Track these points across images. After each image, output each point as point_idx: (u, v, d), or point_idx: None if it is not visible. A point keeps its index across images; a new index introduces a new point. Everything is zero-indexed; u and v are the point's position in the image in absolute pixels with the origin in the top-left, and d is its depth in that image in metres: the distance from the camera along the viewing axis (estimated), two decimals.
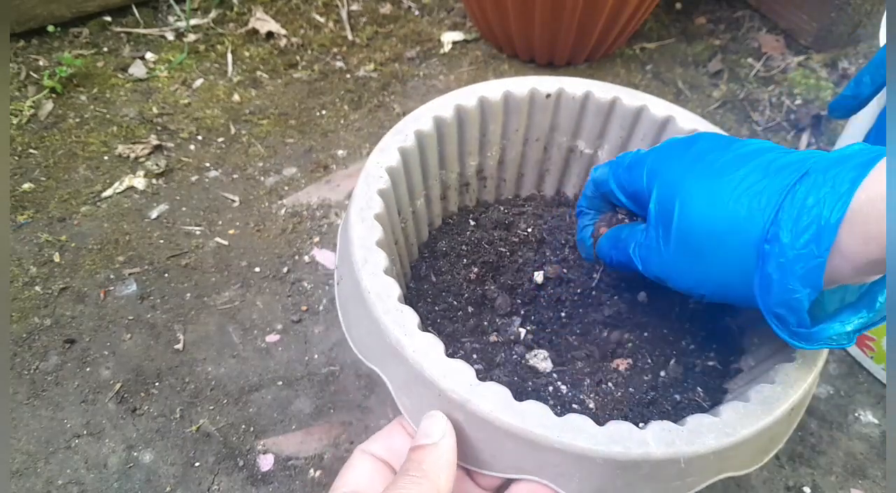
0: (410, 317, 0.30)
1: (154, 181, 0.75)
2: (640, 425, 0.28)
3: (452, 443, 0.28)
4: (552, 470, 0.28)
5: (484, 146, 0.44)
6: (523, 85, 0.42)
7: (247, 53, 0.90)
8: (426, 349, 0.29)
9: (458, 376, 0.28)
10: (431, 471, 0.27)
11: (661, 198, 0.30)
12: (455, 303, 0.41)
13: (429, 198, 0.43)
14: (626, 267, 0.35)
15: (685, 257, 0.29)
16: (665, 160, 0.32)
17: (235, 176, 0.76)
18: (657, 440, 0.27)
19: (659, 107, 0.41)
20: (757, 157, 0.29)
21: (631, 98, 0.42)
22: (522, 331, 0.41)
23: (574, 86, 0.42)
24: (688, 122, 0.41)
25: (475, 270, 0.42)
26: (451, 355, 0.30)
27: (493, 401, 0.28)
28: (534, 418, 0.27)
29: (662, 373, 0.38)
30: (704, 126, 0.40)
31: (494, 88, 0.41)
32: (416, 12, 0.98)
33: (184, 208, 0.72)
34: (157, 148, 0.78)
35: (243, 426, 0.56)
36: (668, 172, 0.31)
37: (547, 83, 0.42)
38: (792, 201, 0.26)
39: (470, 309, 0.41)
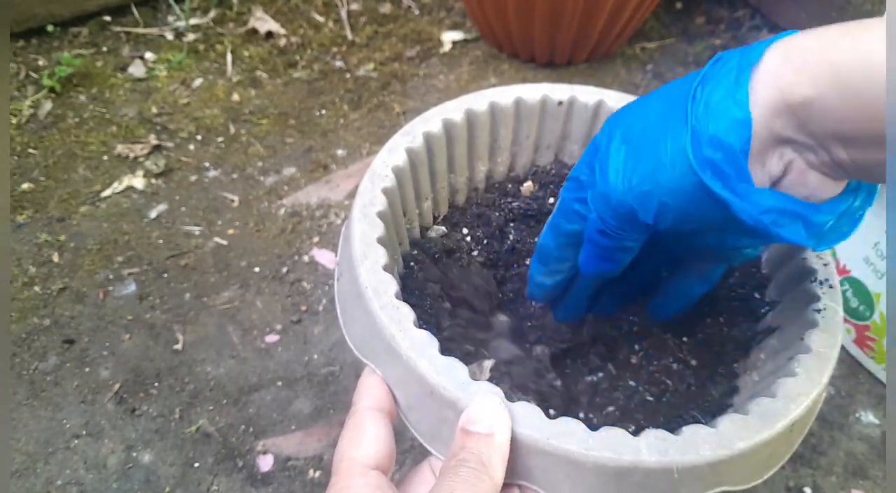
0: (406, 313, 0.30)
1: (153, 181, 0.74)
2: (632, 428, 0.28)
3: (509, 435, 0.26)
4: (542, 474, 0.27)
5: (494, 152, 0.44)
6: (535, 92, 0.42)
7: (246, 53, 0.90)
8: (421, 346, 0.29)
9: (450, 374, 0.28)
10: (491, 465, 0.25)
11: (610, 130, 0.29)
12: (454, 305, 0.41)
13: (436, 201, 0.43)
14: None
15: (633, 163, 0.27)
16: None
17: (235, 176, 0.76)
18: (650, 447, 0.26)
19: None
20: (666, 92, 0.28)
21: None
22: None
23: (587, 94, 0.42)
24: None
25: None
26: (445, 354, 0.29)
27: None
28: (524, 419, 0.27)
29: (663, 387, 0.38)
30: None
31: (506, 94, 0.41)
32: (416, 12, 0.98)
33: (183, 208, 0.72)
34: (157, 148, 0.78)
35: (243, 427, 0.56)
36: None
37: (559, 90, 0.42)
38: (711, 69, 0.25)
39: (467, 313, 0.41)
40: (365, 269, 0.32)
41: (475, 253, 0.42)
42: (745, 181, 0.24)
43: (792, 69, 0.22)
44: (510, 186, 0.45)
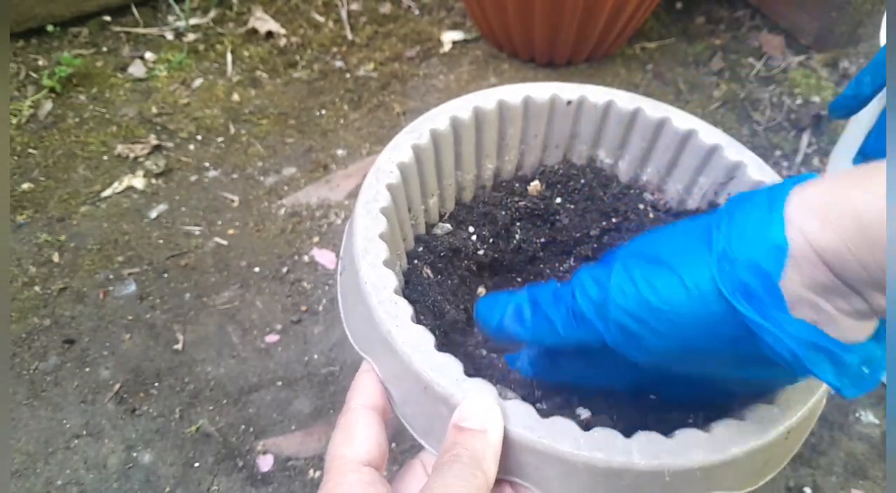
0: (404, 309, 0.30)
1: (153, 181, 0.75)
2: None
3: (502, 432, 0.26)
4: (533, 472, 0.28)
5: (502, 150, 0.44)
6: (544, 90, 0.41)
7: (246, 53, 0.90)
8: (416, 342, 0.29)
9: (444, 370, 0.28)
10: (484, 461, 0.25)
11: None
12: (454, 302, 0.41)
13: (443, 198, 0.43)
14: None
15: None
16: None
17: (235, 176, 0.76)
18: (642, 450, 0.26)
19: (682, 119, 0.41)
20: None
21: (654, 109, 0.41)
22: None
23: (596, 94, 0.42)
24: (710, 136, 0.40)
25: (475, 268, 0.42)
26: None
27: None
28: (517, 417, 0.27)
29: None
30: (726, 141, 0.40)
31: (515, 92, 0.41)
32: (416, 12, 0.98)
33: (183, 208, 0.72)
34: (157, 148, 0.78)
35: (243, 427, 0.56)
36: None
37: (568, 90, 0.42)
38: (732, 203, 0.24)
39: (465, 308, 0.41)
40: (365, 263, 0.32)
41: (481, 252, 0.42)
42: (782, 310, 0.22)
43: (816, 220, 0.21)
44: (517, 185, 0.45)
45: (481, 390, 0.28)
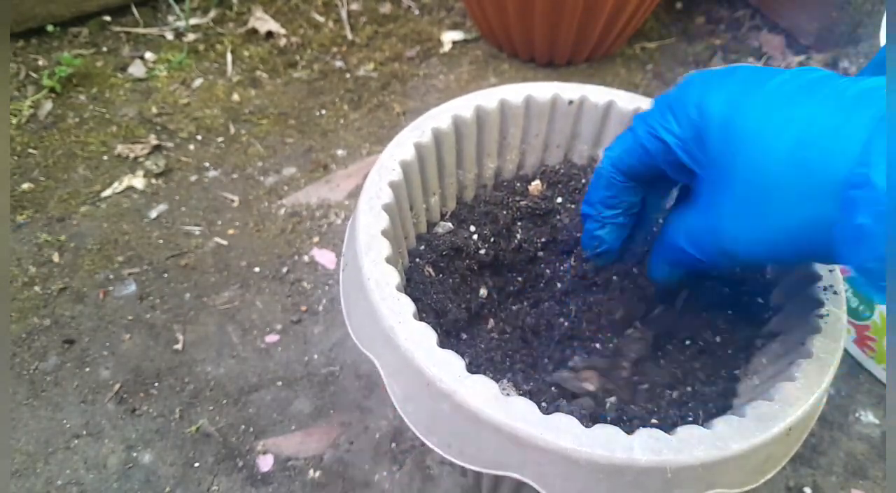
0: (406, 305, 0.31)
1: (153, 181, 0.74)
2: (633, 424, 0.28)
3: None
4: (535, 469, 0.28)
5: (503, 149, 0.44)
6: (546, 90, 0.42)
7: (246, 53, 0.90)
8: (418, 338, 0.29)
9: (446, 367, 0.28)
10: None
11: (718, 139, 0.26)
12: (455, 301, 0.41)
13: (444, 196, 0.43)
14: (673, 261, 0.30)
15: (750, 215, 0.25)
16: (715, 92, 0.27)
17: (235, 176, 0.76)
18: (644, 446, 0.27)
19: None
20: (823, 85, 0.24)
21: None
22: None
23: (597, 94, 0.42)
24: None
25: (476, 267, 0.42)
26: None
27: (479, 394, 0.28)
28: (519, 413, 0.27)
29: (662, 391, 0.38)
30: None
31: (517, 92, 0.41)
32: (416, 12, 0.98)
33: (183, 208, 0.72)
34: (157, 148, 0.78)
35: (243, 427, 0.56)
36: (720, 106, 0.26)
37: (570, 90, 0.42)
38: (884, 138, 0.21)
39: (466, 307, 0.41)
40: (368, 260, 0.32)
41: (482, 251, 0.42)
42: None
43: None
44: (518, 184, 0.45)
45: (484, 387, 0.28)
